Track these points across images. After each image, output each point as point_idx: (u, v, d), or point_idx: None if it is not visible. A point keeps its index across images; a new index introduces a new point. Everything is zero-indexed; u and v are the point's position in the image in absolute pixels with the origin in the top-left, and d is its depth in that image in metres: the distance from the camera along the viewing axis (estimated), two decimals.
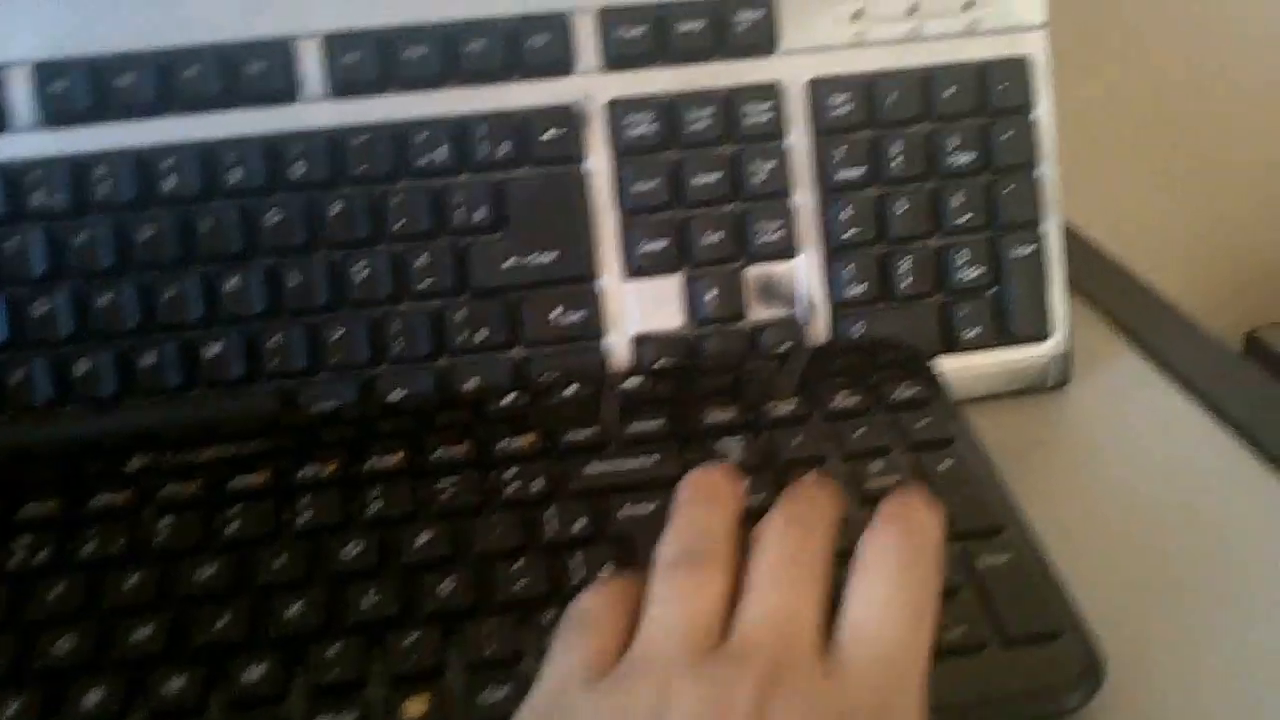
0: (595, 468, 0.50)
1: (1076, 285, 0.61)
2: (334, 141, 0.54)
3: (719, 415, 0.51)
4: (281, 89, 0.55)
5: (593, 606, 0.36)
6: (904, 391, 0.53)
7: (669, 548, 0.37)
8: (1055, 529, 0.46)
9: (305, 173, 0.54)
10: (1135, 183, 1.02)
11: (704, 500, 0.39)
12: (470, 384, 0.56)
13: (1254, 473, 0.54)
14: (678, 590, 0.35)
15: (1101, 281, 0.70)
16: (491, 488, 0.48)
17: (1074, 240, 0.60)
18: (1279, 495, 0.52)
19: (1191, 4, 0.99)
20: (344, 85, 0.55)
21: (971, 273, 0.58)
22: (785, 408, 0.53)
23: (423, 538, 0.46)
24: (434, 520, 0.46)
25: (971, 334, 0.58)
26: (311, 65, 0.55)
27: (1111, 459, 0.55)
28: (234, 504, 0.47)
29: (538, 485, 0.48)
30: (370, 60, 0.55)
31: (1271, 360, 0.94)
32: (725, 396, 0.53)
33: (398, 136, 0.55)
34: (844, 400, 0.53)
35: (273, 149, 0.54)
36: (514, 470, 0.49)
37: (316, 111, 0.55)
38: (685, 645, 0.33)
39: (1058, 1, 0.59)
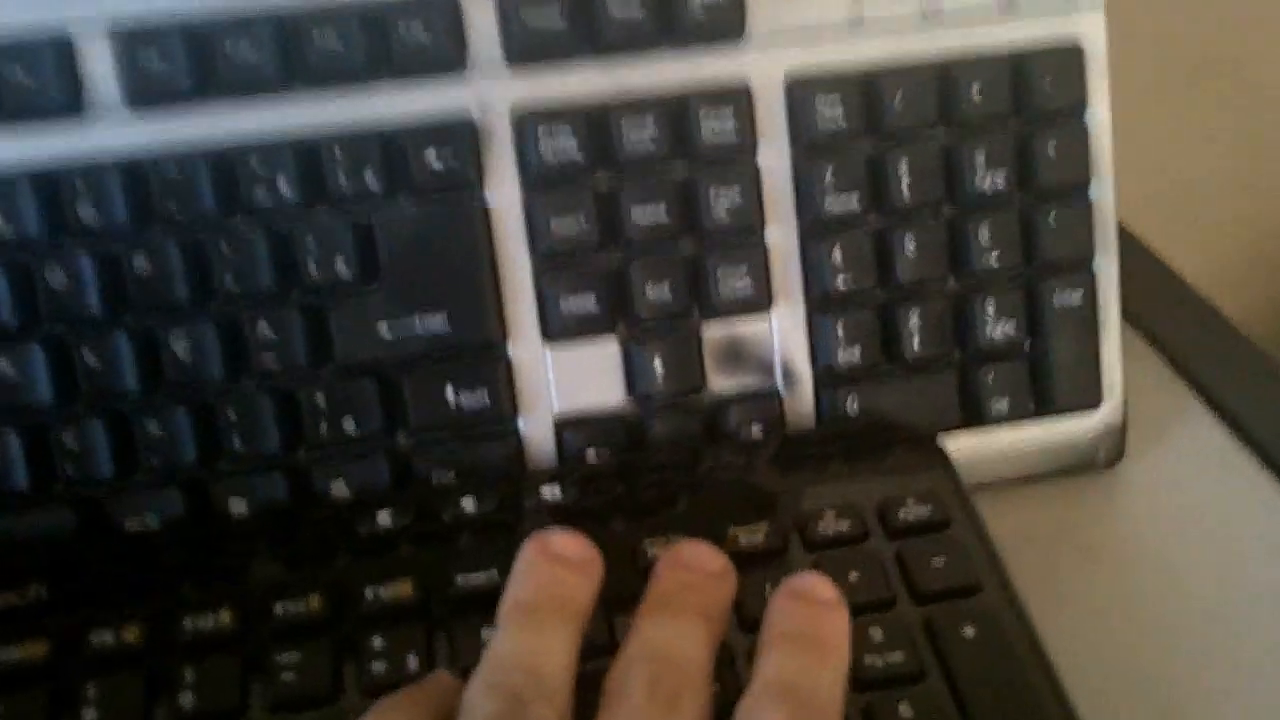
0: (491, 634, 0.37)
1: (1126, 311, 0.50)
2: (135, 172, 0.42)
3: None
4: (60, 102, 0.42)
5: None
6: (913, 510, 0.41)
7: (484, 699, 0.30)
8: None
9: (97, 216, 0.42)
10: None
11: (544, 613, 0.32)
12: (338, 486, 0.44)
13: None
14: None
15: (1159, 303, 0.59)
16: (346, 670, 0.37)
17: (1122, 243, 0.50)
18: None
19: None
20: (147, 94, 0.42)
21: (1001, 328, 0.47)
22: (752, 537, 0.41)
23: None
24: None
25: (1000, 406, 0.48)
26: (101, 68, 0.42)
27: (1179, 564, 0.46)
28: None
29: (412, 665, 0.37)
30: (182, 60, 0.42)
31: None
32: (675, 512, 0.43)
33: (223, 163, 0.43)
34: (832, 525, 0.41)
35: (50, 185, 0.42)
36: (379, 643, 0.38)
37: (110, 132, 0.42)
38: None
39: None
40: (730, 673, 0.35)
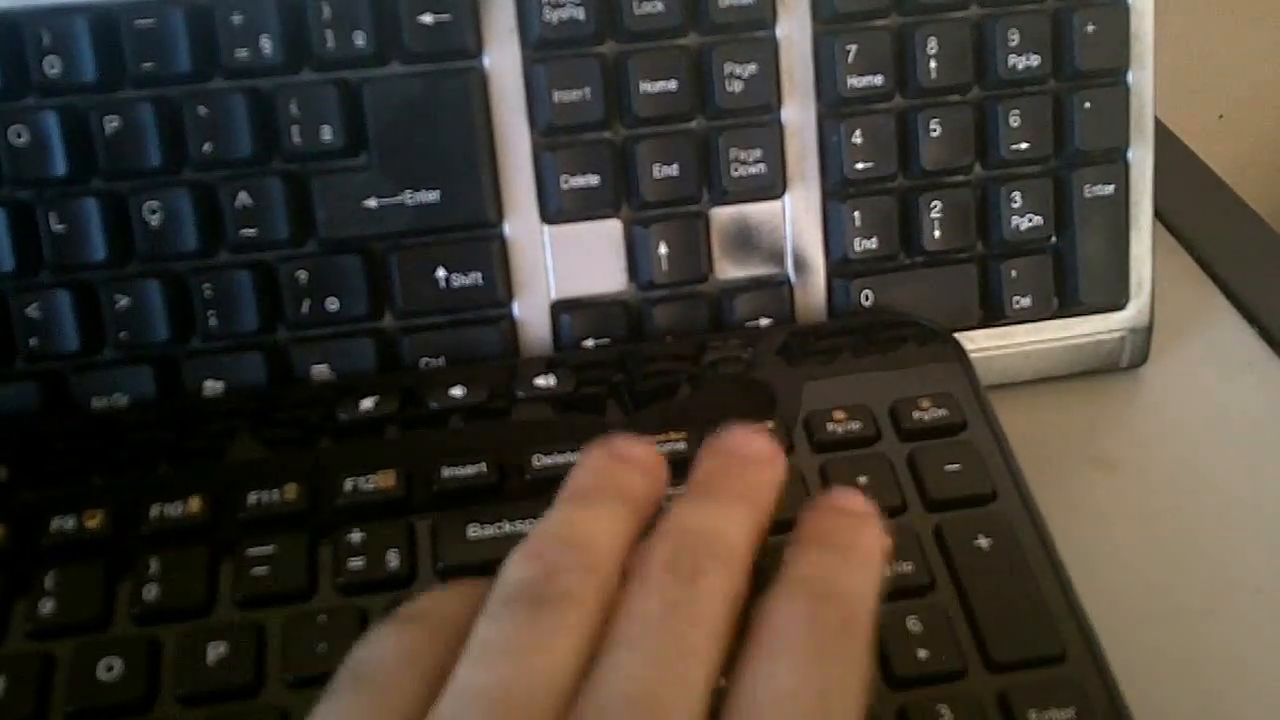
0: (478, 532, 0.36)
1: (1155, 207, 0.47)
2: (104, 24, 0.39)
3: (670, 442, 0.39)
4: None
5: (382, 658, 0.27)
6: (928, 412, 0.39)
7: (517, 568, 0.28)
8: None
9: (63, 72, 0.39)
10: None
11: (598, 496, 0.30)
12: (319, 370, 0.42)
13: None
14: (506, 642, 0.26)
15: (1191, 200, 0.56)
16: (322, 565, 0.35)
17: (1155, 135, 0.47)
18: None
19: None
20: None
21: (1026, 220, 0.45)
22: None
23: (216, 650, 0.33)
24: (232, 629, 0.33)
25: (1022, 302, 0.46)
26: None
27: (1201, 472, 0.44)
28: None
29: (392, 563, 0.35)
30: None
31: None
32: (676, 407, 0.40)
33: (201, 17, 0.40)
34: (842, 425, 0.39)
35: (12, 35, 0.39)
36: (358, 537, 0.35)
37: None
38: None
39: None
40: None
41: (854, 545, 0.30)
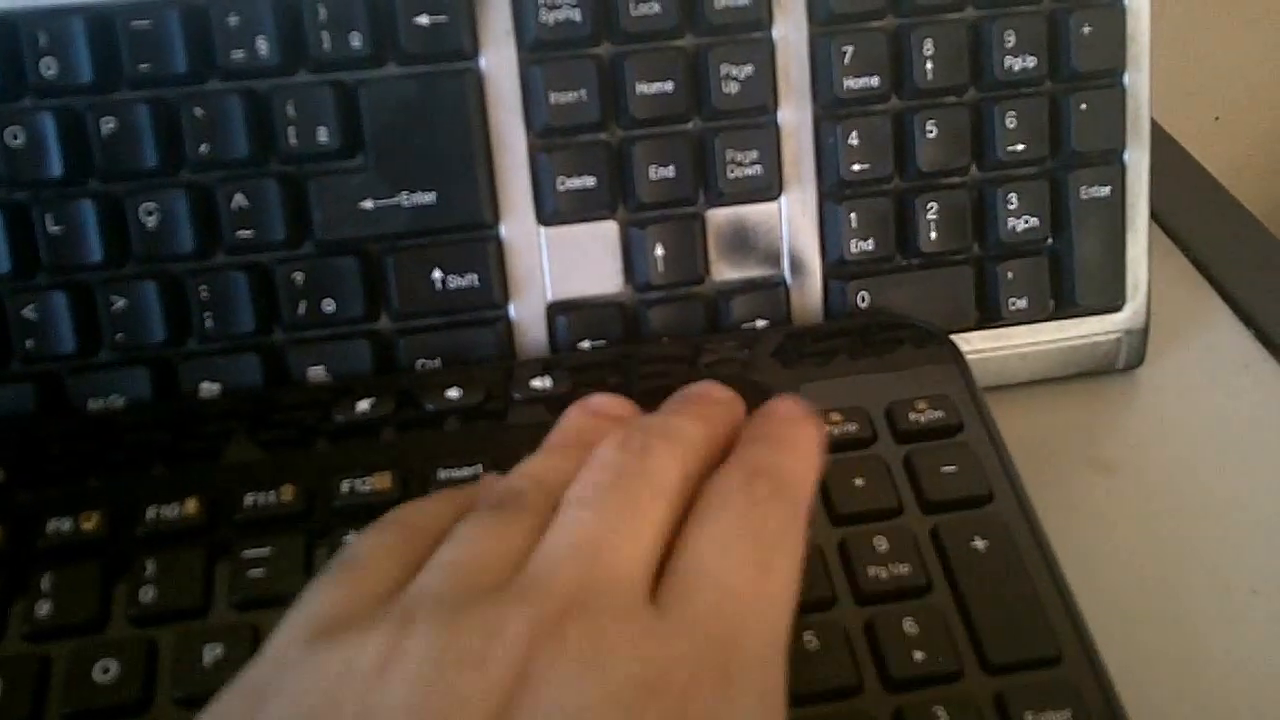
0: None
1: (1151, 209, 0.47)
2: (101, 25, 0.39)
3: None
4: None
5: (366, 548, 0.29)
6: (924, 413, 0.39)
7: (495, 490, 0.30)
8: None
9: (60, 73, 0.39)
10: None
11: (571, 448, 0.32)
12: (316, 371, 0.42)
13: None
14: (476, 531, 0.29)
15: (1187, 202, 0.56)
16: (319, 566, 0.35)
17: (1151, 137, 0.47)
18: None
19: None
20: None
21: (1023, 222, 0.45)
22: None
23: (213, 652, 0.32)
24: (229, 630, 0.33)
25: (1019, 304, 0.45)
26: None
27: (1198, 474, 0.44)
28: None
29: None
30: None
31: None
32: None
33: (198, 19, 0.39)
34: (838, 426, 0.39)
35: (9, 36, 0.39)
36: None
37: None
38: (455, 584, 0.27)
39: None
40: None
41: (790, 438, 0.32)
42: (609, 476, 0.29)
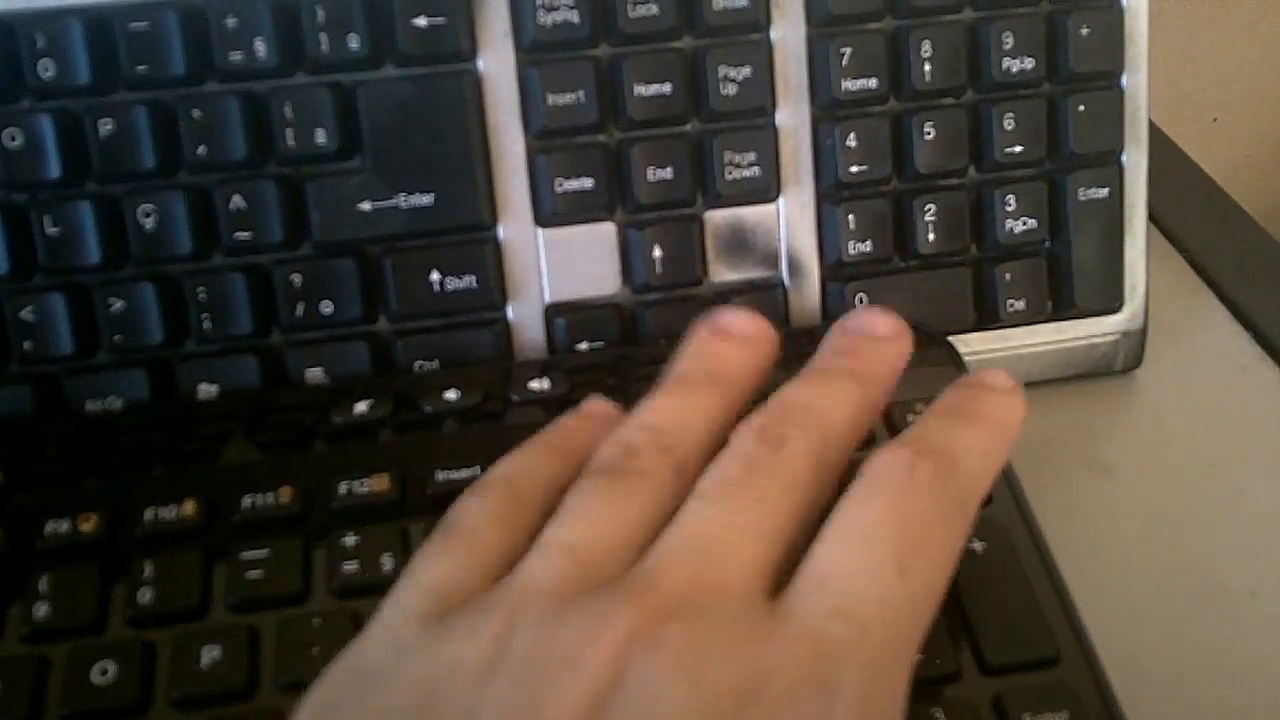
0: None
1: (1149, 211, 0.47)
2: (98, 26, 0.39)
3: None
4: None
5: (471, 514, 0.29)
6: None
7: (602, 450, 0.29)
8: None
9: (57, 75, 0.39)
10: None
11: (691, 381, 0.31)
12: (314, 373, 0.42)
13: None
14: (591, 504, 0.28)
15: (1185, 204, 0.56)
16: (317, 568, 0.35)
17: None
18: None
19: None
20: None
21: (1021, 224, 0.45)
22: None
23: (210, 654, 0.32)
24: (226, 632, 0.33)
25: (1017, 306, 0.45)
26: None
27: (1196, 476, 0.43)
28: None
29: (386, 567, 0.34)
30: None
31: None
32: None
33: (195, 20, 0.39)
34: None
35: (4, 38, 0.39)
36: (352, 541, 0.35)
37: None
38: (566, 576, 0.26)
39: None
40: None
41: (980, 413, 0.29)
42: (739, 469, 0.28)
